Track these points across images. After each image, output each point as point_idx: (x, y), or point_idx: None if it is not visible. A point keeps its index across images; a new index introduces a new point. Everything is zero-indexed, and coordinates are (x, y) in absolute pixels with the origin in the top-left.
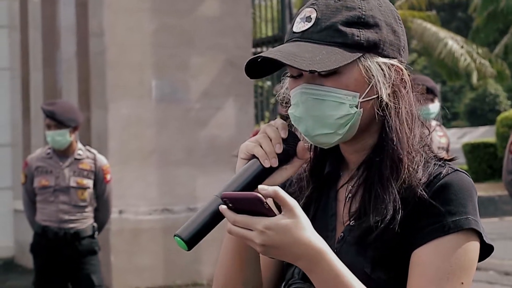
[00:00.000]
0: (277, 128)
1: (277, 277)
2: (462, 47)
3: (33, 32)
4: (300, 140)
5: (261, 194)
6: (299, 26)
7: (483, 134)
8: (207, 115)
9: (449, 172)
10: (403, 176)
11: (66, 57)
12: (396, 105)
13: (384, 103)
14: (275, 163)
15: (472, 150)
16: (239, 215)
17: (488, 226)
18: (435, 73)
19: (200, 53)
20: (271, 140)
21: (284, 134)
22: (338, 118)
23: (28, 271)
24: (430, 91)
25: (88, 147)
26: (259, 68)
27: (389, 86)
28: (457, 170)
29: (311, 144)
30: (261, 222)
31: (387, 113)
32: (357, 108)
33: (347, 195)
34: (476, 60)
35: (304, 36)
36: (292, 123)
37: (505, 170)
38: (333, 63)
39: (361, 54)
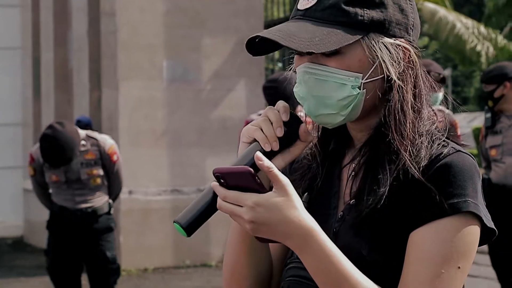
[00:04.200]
0: (278, 111)
1: (285, 256)
2: (467, 28)
3: (44, 12)
4: (302, 123)
5: (257, 164)
6: (303, 3)
7: None
8: (218, 96)
9: (450, 152)
10: (402, 158)
11: (78, 36)
12: (401, 86)
13: (390, 83)
14: (276, 146)
15: None
16: (230, 191)
17: None
18: (447, 57)
19: (212, 35)
20: (272, 124)
21: (285, 117)
22: (340, 99)
23: (37, 250)
24: (442, 81)
25: (89, 133)
26: (261, 45)
27: (398, 65)
28: (459, 151)
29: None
30: (251, 198)
31: (392, 94)
32: (360, 89)
33: (350, 174)
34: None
35: (307, 14)
36: (298, 101)
37: None
38: (333, 44)
39: (364, 34)
